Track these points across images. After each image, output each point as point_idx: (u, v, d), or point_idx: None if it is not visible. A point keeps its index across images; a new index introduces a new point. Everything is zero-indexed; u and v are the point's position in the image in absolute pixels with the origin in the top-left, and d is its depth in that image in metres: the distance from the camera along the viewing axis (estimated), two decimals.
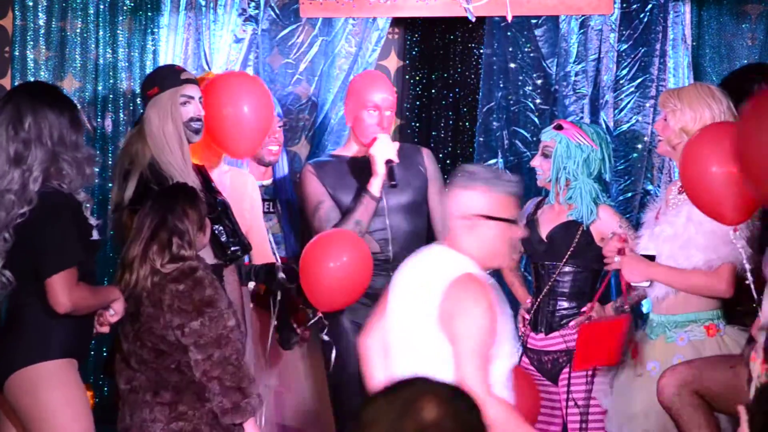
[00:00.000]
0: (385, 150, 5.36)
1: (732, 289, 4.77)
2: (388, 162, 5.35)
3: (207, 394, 4.47)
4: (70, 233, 4.44)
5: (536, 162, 5.37)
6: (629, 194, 5.96)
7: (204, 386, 4.47)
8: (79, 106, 4.80)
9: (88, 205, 4.56)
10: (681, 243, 4.80)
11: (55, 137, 4.49)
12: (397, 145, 5.42)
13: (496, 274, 5.98)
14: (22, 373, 4.45)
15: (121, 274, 4.61)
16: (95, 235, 4.56)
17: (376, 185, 5.35)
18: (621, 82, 6.01)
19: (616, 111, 6.02)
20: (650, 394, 4.74)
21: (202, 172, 5.14)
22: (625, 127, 6.00)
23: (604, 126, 5.95)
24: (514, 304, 5.94)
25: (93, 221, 4.57)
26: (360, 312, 5.32)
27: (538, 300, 5.34)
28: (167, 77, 5.08)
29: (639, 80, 6.00)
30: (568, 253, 5.26)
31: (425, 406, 2.25)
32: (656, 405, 4.72)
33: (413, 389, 2.28)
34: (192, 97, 5.10)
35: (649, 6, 5.99)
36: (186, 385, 4.49)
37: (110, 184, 6.06)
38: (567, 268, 5.29)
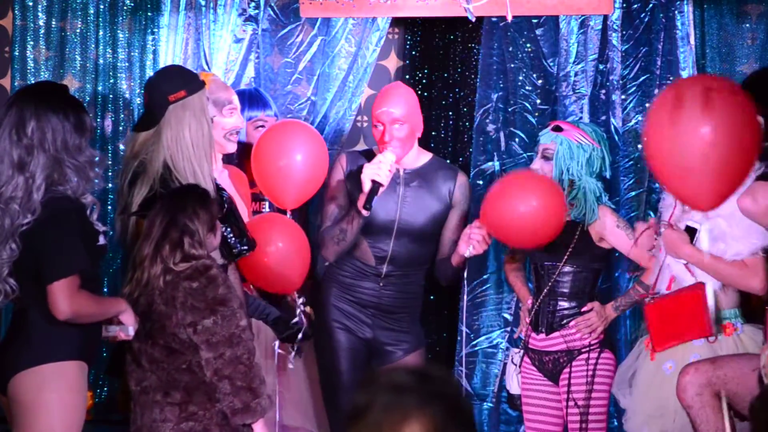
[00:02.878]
0: (372, 170, 5.18)
1: (766, 285, 4.72)
2: (375, 183, 5.17)
3: (217, 394, 4.47)
4: (74, 240, 4.40)
5: (537, 165, 5.35)
6: (635, 192, 5.96)
7: (215, 386, 4.46)
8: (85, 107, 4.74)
9: (95, 208, 4.54)
10: (712, 238, 4.73)
11: (59, 143, 4.44)
12: (392, 169, 5.21)
13: (500, 280, 6.01)
14: (28, 374, 4.43)
15: (132, 273, 4.60)
16: (101, 241, 4.54)
17: (360, 202, 5.21)
18: (623, 81, 6.01)
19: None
20: (667, 393, 4.72)
21: None
22: (628, 126, 6.01)
23: (612, 126, 5.95)
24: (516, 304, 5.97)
25: (100, 227, 4.54)
26: (347, 314, 5.37)
27: (539, 300, 5.34)
28: (193, 81, 4.95)
29: (641, 80, 6.00)
30: (568, 253, 5.26)
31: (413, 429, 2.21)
32: (674, 405, 4.70)
33: (413, 398, 2.24)
34: (236, 108, 5.14)
35: (650, 6, 5.99)
36: (197, 385, 4.48)
37: (110, 185, 6.07)
38: (567, 268, 5.28)
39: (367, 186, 5.17)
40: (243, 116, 5.55)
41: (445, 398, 2.26)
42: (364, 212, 5.21)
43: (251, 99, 5.66)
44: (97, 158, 4.55)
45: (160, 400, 4.50)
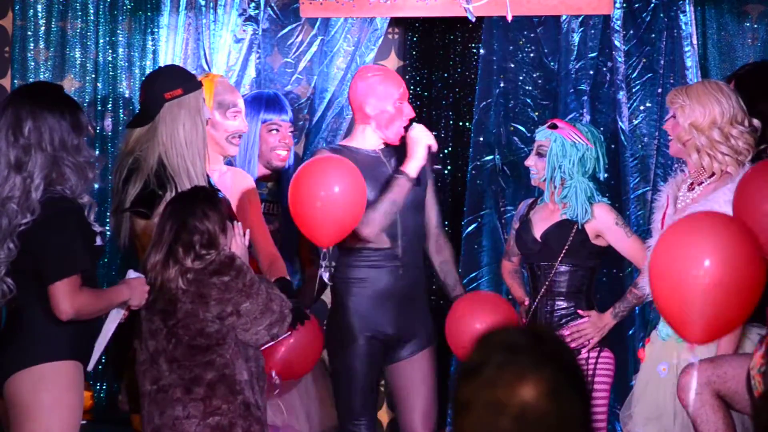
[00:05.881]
0: (426, 135, 5.26)
1: None
2: (429, 148, 5.25)
3: (237, 386, 4.51)
4: (74, 240, 4.41)
5: (531, 161, 5.36)
6: (641, 191, 5.96)
7: (234, 380, 4.50)
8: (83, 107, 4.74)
9: (92, 208, 4.54)
10: None
11: (56, 142, 4.45)
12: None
13: (497, 274, 6.00)
14: (24, 374, 4.44)
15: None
16: (99, 241, 4.54)
17: (413, 167, 5.20)
18: (627, 80, 6.01)
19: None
20: (663, 395, 4.72)
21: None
22: (633, 125, 6.01)
23: (619, 125, 5.95)
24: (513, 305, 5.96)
25: (97, 227, 4.54)
26: (365, 307, 5.28)
27: (536, 301, 5.33)
28: (190, 80, 4.99)
29: (644, 78, 6.00)
30: (563, 252, 5.25)
31: (526, 392, 2.19)
32: (672, 406, 4.70)
33: (528, 359, 2.21)
34: (240, 111, 5.15)
35: (652, 5, 6.00)
36: (218, 380, 4.51)
37: (110, 185, 6.07)
38: (563, 268, 5.27)
39: (422, 151, 5.23)
40: (258, 118, 5.57)
41: (559, 361, 2.23)
42: (412, 175, 5.22)
43: (268, 102, 5.67)
44: (94, 160, 4.55)
45: (182, 397, 4.51)
